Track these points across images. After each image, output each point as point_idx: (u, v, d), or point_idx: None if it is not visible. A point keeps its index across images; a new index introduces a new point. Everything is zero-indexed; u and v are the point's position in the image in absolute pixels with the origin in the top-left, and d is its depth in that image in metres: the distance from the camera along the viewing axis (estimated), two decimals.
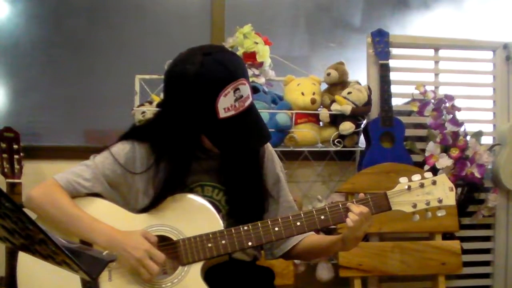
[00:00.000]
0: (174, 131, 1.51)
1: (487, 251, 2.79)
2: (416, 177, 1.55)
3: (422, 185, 1.53)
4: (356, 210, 1.48)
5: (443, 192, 1.53)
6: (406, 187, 1.53)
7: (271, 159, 1.69)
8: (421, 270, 2.36)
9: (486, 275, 2.78)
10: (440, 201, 1.52)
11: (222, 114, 1.42)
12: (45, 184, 1.57)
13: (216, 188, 1.61)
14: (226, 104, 1.41)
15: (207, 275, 1.52)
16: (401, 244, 2.37)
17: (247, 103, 1.45)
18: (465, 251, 2.51)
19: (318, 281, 2.53)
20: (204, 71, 1.41)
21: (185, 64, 1.44)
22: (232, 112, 1.43)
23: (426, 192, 1.53)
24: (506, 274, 2.76)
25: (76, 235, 1.49)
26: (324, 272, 2.51)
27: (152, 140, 1.58)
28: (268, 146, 1.69)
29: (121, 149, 1.58)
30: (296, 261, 2.37)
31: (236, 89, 1.42)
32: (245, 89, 1.44)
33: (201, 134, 1.50)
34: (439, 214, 1.54)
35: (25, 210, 1.68)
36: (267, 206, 1.66)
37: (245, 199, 1.59)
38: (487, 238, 2.79)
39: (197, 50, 1.47)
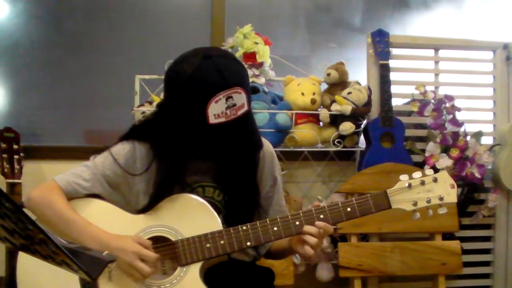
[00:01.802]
0: (169, 130, 1.52)
1: (487, 251, 2.79)
2: (417, 175, 1.53)
3: (423, 183, 1.52)
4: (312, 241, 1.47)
5: (444, 189, 1.51)
6: (407, 184, 1.52)
7: (271, 161, 1.69)
8: (421, 270, 2.37)
9: (486, 276, 2.78)
10: (441, 198, 1.51)
11: (212, 120, 1.41)
12: (44, 185, 1.57)
13: (217, 189, 1.61)
14: (216, 111, 1.41)
15: (206, 275, 1.52)
16: (401, 244, 2.38)
17: (240, 112, 1.43)
18: (465, 251, 2.51)
19: (318, 281, 2.53)
20: (199, 74, 1.41)
21: (184, 64, 1.45)
22: (222, 119, 1.42)
23: (427, 190, 1.51)
24: (506, 274, 2.76)
25: (70, 238, 1.49)
26: (324, 272, 2.51)
27: (151, 139, 1.58)
28: (269, 147, 1.69)
29: (121, 149, 1.58)
30: (296, 261, 2.37)
31: (229, 97, 1.41)
32: (240, 98, 1.43)
33: (191, 136, 1.50)
34: (441, 212, 1.52)
35: (26, 210, 1.69)
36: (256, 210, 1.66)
37: (241, 200, 1.59)
38: (487, 238, 2.79)
39: (199, 52, 1.47)
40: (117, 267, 1.47)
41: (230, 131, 1.44)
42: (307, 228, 1.48)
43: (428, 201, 1.51)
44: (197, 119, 1.43)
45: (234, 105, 1.42)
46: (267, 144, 1.69)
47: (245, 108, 1.45)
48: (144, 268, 1.43)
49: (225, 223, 1.54)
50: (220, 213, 1.59)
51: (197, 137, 1.49)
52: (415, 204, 1.51)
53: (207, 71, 1.41)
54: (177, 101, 1.46)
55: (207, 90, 1.40)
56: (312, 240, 1.47)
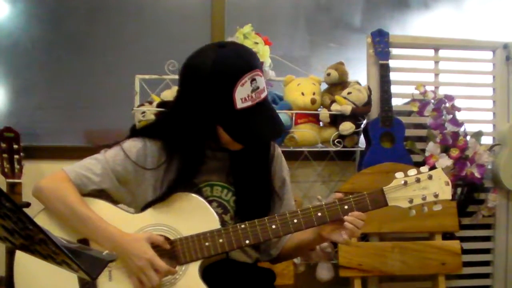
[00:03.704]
0: (190, 126, 1.50)
1: (487, 251, 2.79)
2: (412, 172, 1.54)
3: (418, 180, 1.53)
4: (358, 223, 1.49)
5: (439, 186, 1.53)
6: (402, 182, 1.53)
7: (280, 162, 1.69)
8: (421, 270, 2.37)
9: (486, 275, 2.78)
10: (436, 195, 1.52)
11: (239, 104, 1.42)
12: (55, 176, 1.56)
13: (225, 188, 1.61)
14: (243, 94, 1.41)
15: (207, 276, 1.52)
16: (401, 244, 2.37)
17: (263, 95, 1.46)
18: (465, 251, 2.51)
19: (318, 281, 2.53)
20: (220, 62, 1.41)
21: (200, 58, 1.45)
22: (249, 103, 1.43)
23: (422, 187, 1.53)
24: (506, 274, 2.76)
25: (81, 234, 1.50)
26: (324, 272, 2.51)
27: (164, 137, 1.57)
28: (277, 148, 1.70)
29: (133, 145, 1.58)
30: (296, 261, 2.37)
31: (253, 80, 1.42)
32: (261, 81, 1.45)
33: (218, 126, 1.48)
34: (435, 209, 1.53)
35: (26, 207, 1.68)
36: (271, 207, 1.66)
37: (253, 199, 1.59)
38: (487, 238, 2.79)
39: (211, 45, 1.49)
40: (123, 267, 1.48)
41: (257, 115, 1.45)
42: (348, 217, 1.49)
43: (424, 198, 1.52)
44: (224, 106, 1.42)
45: (258, 87, 1.44)
46: (274, 145, 1.70)
47: (266, 92, 1.47)
48: (154, 278, 1.45)
49: (231, 223, 1.54)
50: (227, 212, 1.59)
51: (226, 126, 1.47)
52: (411, 201, 1.53)
53: (228, 58, 1.42)
54: (200, 94, 1.44)
55: (232, 75, 1.40)
56: (353, 227, 1.49)
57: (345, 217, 1.50)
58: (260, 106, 1.45)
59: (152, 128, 1.63)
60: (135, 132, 1.63)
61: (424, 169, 1.55)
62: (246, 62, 1.43)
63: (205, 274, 1.52)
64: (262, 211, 1.60)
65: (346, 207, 1.52)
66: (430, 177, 1.53)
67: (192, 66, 1.47)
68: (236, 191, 1.61)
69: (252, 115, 1.44)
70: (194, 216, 1.52)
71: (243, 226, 1.50)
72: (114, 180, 1.56)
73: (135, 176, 1.57)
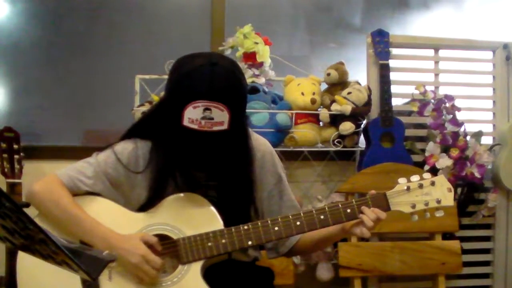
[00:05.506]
0: (163, 125, 1.52)
1: (487, 251, 2.79)
2: (415, 178, 1.55)
3: (421, 186, 1.54)
4: (372, 216, 1.50)
5: (441, 193, 1.54)
6: (405, 187, 1.54)
7: (271, 159, 1.68)
8: (421, 270, 2.37)
9: (486, 275, 2.78)
10: (438, 201, 1.53)
11: (186, 122, 1.41)
12: (47, 179, 1.57)
13: (214, 188, 1.60)
14: (192, 116, 1.40)
15: (207, 275, 1.52)
16: (401, 244, 2.38)
17: (216, 128, 1.41)
18: (465, 251, 2.51)
19: (318, 281, 2.53)
20: (191, 76, 1.41)
21: (187, 61, 1.46)
22: (194, 126, 1.41)
23: (425, 193, 1.54)
24: (506, 274, 2.76)
25: (75, 236, 1.50)
26: (324, 272, 2.51)
27: (152, 137, 1.58)
28: (268, 146, 1.69)
29: (124, 148, 1.58)
30: (296, 261, 2.37)
31: (207, 109, 1.39)
32: (220, 115, 1.40)
33: (167, 132, 1.50)
34: (438, 215, 1.55)
35: (25, 208, 1.67)
36: (269, 207, 1.66)
37: (231, 199, 1.58)
38: (487, 238, 2.79)
39: (209, 55, 1.47)
40: (121, 267, 1.48)
41: (198, 141, 1.44)
42: (367, 211, 1.50)
43: (426, 204, 1.53)
44: (175, 116, 1.42)
45: (212, 118, 1.40)
46: (266, 144, 1.69)
47: (224, 127, 1.42)
48: (150, 271, 1.45)
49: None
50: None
51: (171, 135, 1.49)
52: (413, 206, 1.53)
53: (200, 76, 1.40)
54: (167, 95, 1.49)
55: (189, 93, 1.40)
56: (370, 223, 1.49)
57: (365, 212, 1.50)
58: (206, 136, 1.42)
59: (140, 127, 1.63)
60: (127, 133, 1.63)
61: (427, 175, 1.57)
62: (212, 90, 1.39)
63: (205, 273, 1.52)
64: (243, 211, 1.59)
65: (348, 210, 1.52)
66: (432, 183, 1.54)
67: (174, 66, 1.49)
68: (217, 189, 1.59)
69: (193, 139, 1.44)
70: (198, 216, 1.53)
71: (246, 227, 1.51)
72: (107, 182, 1.57)
73: (127, 179, 1.58)
